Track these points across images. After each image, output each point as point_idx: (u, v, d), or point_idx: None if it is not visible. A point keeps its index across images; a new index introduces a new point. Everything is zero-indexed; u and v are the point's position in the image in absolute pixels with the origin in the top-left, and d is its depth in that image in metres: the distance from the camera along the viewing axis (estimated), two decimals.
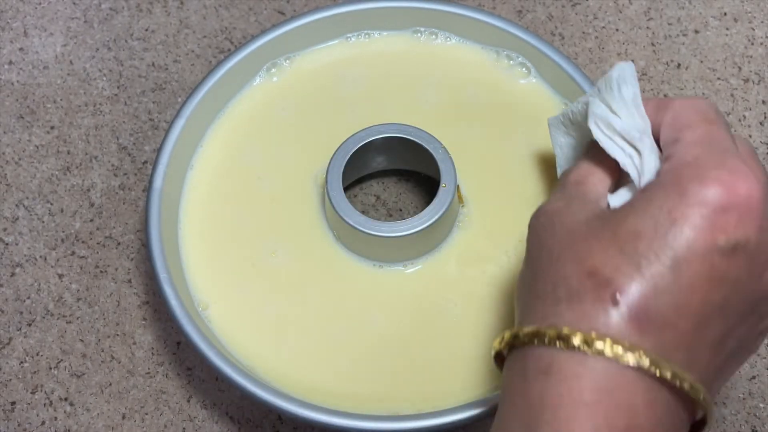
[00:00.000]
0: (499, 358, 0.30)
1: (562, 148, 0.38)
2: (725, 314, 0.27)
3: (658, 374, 0.25)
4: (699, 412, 0.28)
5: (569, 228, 0.29)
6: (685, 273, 0.26)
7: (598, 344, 0.25)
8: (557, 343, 0.26)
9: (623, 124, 0.32)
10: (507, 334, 0.28)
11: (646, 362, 0.25)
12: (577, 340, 0.26)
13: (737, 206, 0.26)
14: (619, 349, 0.25)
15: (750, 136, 0.51)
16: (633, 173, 0.31)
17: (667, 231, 0.26)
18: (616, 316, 0.26)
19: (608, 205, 0.31)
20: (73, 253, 0.49)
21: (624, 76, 0.32)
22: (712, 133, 0.29)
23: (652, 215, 0.27)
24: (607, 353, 0.25)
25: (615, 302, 0.26)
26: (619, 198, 0.31)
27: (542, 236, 0.30)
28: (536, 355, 0.27)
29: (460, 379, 0.40)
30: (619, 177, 0.32)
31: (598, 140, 0.32)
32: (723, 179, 0.27)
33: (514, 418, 0.27)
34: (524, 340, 0.27)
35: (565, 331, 0.26)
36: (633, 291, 0.26)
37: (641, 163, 0.31)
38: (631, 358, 0.25)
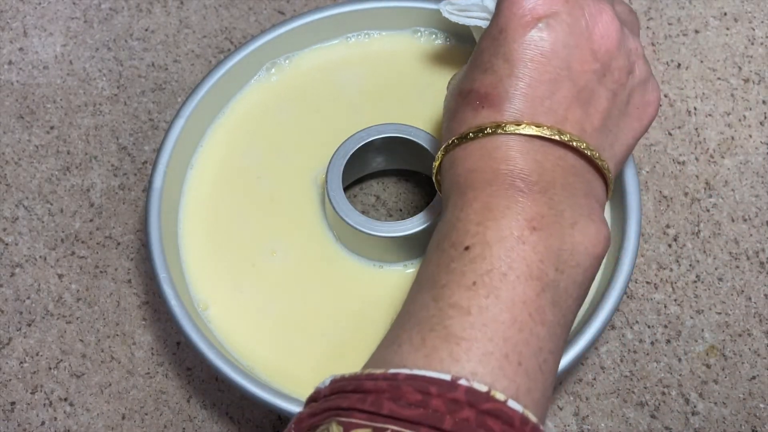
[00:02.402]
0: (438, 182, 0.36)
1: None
2: (571, 74, 0.32)
3: (537, 134, 0.31)
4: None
5: (454, 81, 0.36)
6: (519, 58, 0.32)
7: (459, 139, 0.33)
8: (447, 149, 0.33)
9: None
10: (440, 154, 0.34)
11: (532, 130, 0.31)
12: (456, 142, 0.33)
13: None
14: (471, 134, 0.32)
15: (750, 136, 0.51)
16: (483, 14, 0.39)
17: (497, 36, 0.32)
18: (483, 111, 0.32)
19: None
20: (73, 253, 0.49)
21: None
22: None
23: (489, 32, 0.33)
24: (470, 139, 0.32)
25: (480, 101, 0.32)
26: None
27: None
28: (463, 151, 0.33)
29: None
30: None
31: (448, 18, 0.41)
32: None
33: (444, 191, 0.33)
34: (449, 147, 0.33)
35: (445, 143, 0.33)
36: (488, 87, 0.32)
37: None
38: (519, 129, 0.31)
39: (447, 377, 0.26)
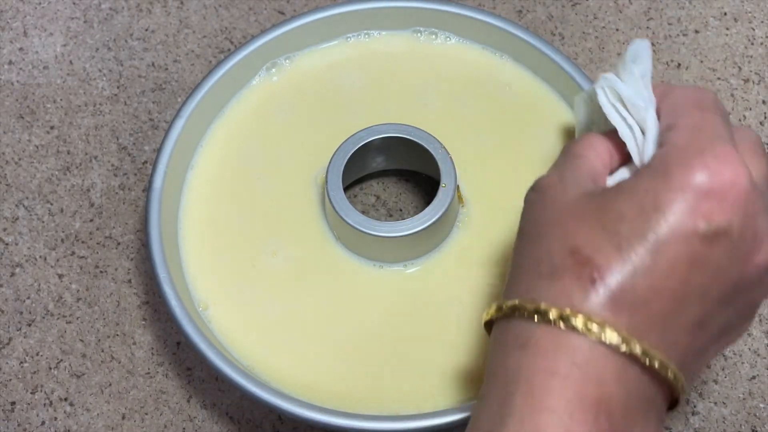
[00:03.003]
0: (489, 328, 0.31)
1: (581, 126, 0.38)
2: (705, 299, 0.27)
3: (627, 351, 0.26)
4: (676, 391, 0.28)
5: (558, 205, 0.29)
6: (665, 256, 0.26)
7: (573, 320, 0.26)
8: (535, 317, 0.27)
9: (629, 92, 0.32)
10: (493, 307, 0.29)
11: (616, 339, 0.26)
12: (553, 315, 0.27)
13: (721, 192, 0.27)
14: (592, 326, 0.26)
15: None
16: (631, 145, 0.30)
17: (650, 215, 0.27)
18: (593, 295, 0.26)
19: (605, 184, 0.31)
20: (73, 253, 0.49)
21: (638, 52, 0.33)
22: (705, 120, 0.29)
23: (638, 198, 0.27)
24: (581, 329, 0.26)
25: (593, 281, 0.27)
26: (617, 178, 0.31)
27: (533, 212, 0.31)
28: (516, 328, 0.28)
29: (461, 378, 0.40)
30: (624, 156, 0.32)
31: (602, 105, 0.32)
32: (708, 164, 0.27)
33: (492, 387, 0.28)
34: (506, 313, 0.28)
35: (543, 306, 0.27)
36: (611, 271, 0.26)
37: (643, 140, 0.30)
38: (602, 335, 0.26)
39: None
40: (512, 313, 0.28)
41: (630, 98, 0.31)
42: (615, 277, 0.26)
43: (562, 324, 0.26)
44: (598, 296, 0.26)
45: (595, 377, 0.26)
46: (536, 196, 0.31)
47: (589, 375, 0.26)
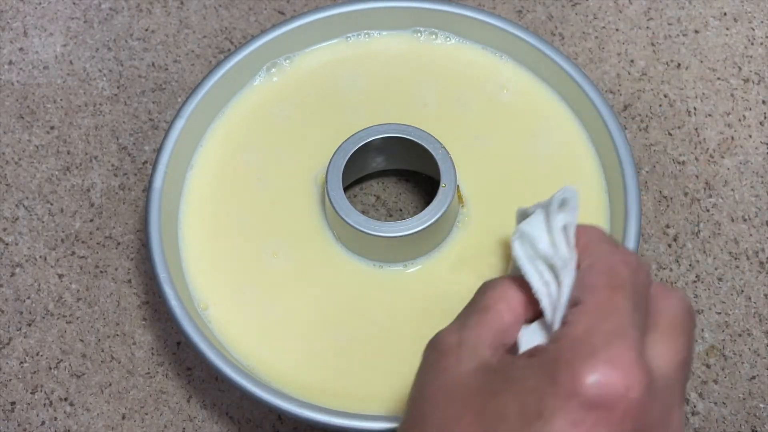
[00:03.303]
0: None
1: (513, 263, 0.33)
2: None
3: None
4: None
5: (448, 381, 0.27)
6: None
7: None
8: None
9: (546, 249, 0.29)
10: None
11: None
12: None
13: (609, 404, 0.24)
14: None
15: (750, 136, 0.51)
16: (545, 304, 0.28)
17: (532, 420, 0.24)
18: None
19: (514, 345, 0.28)
20: (73, 253, 0.49)
21: (566, 199, 0.30)
22: (612, 305, 0.26)
23: (522, 398, 0.25)
24: None
25: None
26: (528, 336, 0.28)
27: (424, 377, 0.29)
28: None
29: None
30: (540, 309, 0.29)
31: (516, 257, 0.30)
32: (598, 369, 0.24)
33: None
34: None
35: None
36: None
37: (558, 297, 0.28)
38: None
39: None
40: None
41: (546, 256, 0.29)
42: None
43: None
44: None
45: None
46: (432, 358, 0.29)
47: None
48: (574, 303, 0.27)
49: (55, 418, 0.44)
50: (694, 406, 0.44)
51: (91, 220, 0.50)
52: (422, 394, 0.28)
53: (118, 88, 0.54)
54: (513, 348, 0.29)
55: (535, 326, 0.29)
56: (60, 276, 0.48)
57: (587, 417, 0.24)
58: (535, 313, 0.29)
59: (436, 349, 0.29)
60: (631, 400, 0.24)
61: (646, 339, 0.27)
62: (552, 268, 0.28)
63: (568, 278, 0.28)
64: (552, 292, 0.28)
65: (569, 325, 0.26)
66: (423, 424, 0.27)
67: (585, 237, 0.29)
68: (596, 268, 0.28)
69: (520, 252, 0.30)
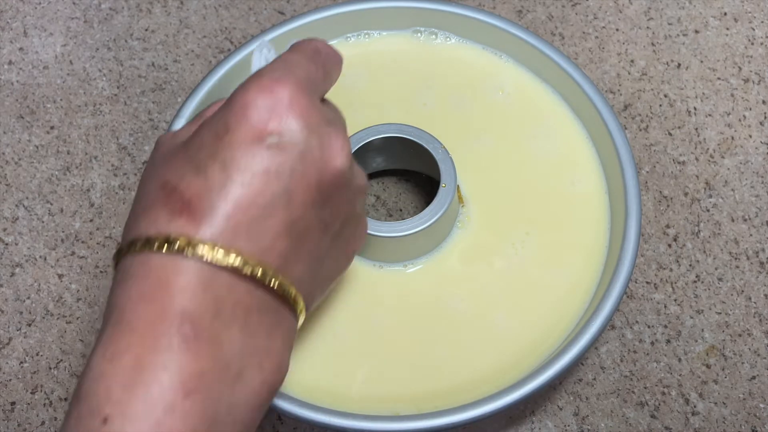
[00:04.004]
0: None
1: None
2: (290, 204, 0.29)
3: (211, 259, 0.28)
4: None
5: (166, 150, 0.31)
6: (238, 171, 0.28)
7: (156, 244, 0.28)
8: (130, 249, 0.29)
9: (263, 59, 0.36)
10: (123, 244, 0.31)
11: (203, 251, 0.27)
12: (140, 245, 0.28)
13: (278, 105, 0.29)
14: (175, 245, 0.28)
15: (750, 136, 0.51)
16: (255, 67, 0.35)
17: (222, 136, 0.29)
18: (178, 218, 0.28)
19: None
20: (73, 253, 0.49)
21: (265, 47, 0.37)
22: (280, 60, 0.31)
23: (213, 126, 0.29)
24: (165, 250, 0.28)
25: (179, 206, 0.28)
26: None
27: (150, 157, 0.33)
28: (120, 268, 0.29)
29: (461, 378, 0.40)
30: None
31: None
32: (263, 84, 0.29)
33: (109, 311, 0.29)
34: (115, 258, 0.30)
35: (131, 237, 0.29)
36: (192, 193, 0.28)
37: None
38: (186, 251, 0.27)
39: None
40: (117, 257, 0.29)
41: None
42: (197, 198, 0.28)
43: (151, 250, 0.28)
44: (182, 218, 0.28)
45: (178, 291, 0.27)
46: (159, 140, 0.33)
47: (171, 290, 0.27)
48: None
49: (55, 418, 0.44)
50: (695, 406, 0.44)
51: (91, 220, 0.50)
52: (144, 172, 0.32)
53: (117, 88, 0.54)
54: None
55: None
56: (60, 276, 0.48)
57: (261, 117, 0.29)
58: None
59: (156, 142, 0.33)
60: (295, 101, 0.29)
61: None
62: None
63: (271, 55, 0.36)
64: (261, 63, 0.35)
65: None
66: (143, 184, 0.31)
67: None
68: (293, 46, 0.33)
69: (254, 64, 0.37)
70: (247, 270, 0.28)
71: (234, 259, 0.28)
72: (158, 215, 0.28)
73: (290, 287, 0.30)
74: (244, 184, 0.28)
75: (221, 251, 0.28)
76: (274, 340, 0.30)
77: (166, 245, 0.28)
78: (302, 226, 0.30)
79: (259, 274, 0.28)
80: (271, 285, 0.29)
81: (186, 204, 0.28)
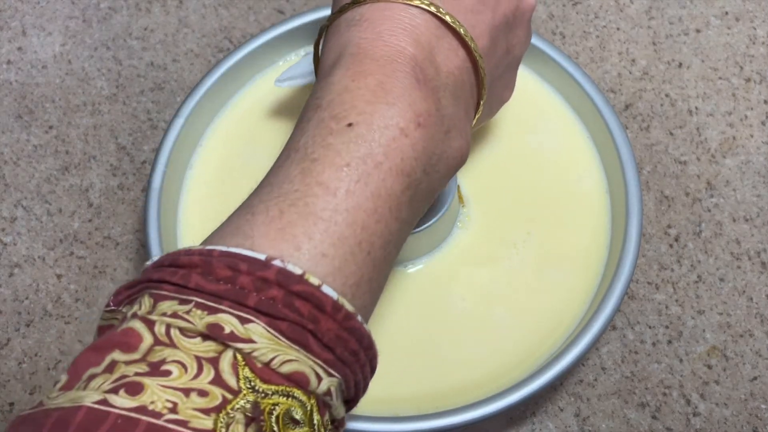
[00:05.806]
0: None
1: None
2: (497, 8, 0.33)
3: (435, 11, 0.31)
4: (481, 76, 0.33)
5: None
6: None
7: None
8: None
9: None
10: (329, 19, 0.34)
11: (434, 7, 0.30)
12: None
13: None
14: (435, 7, 0.31)
15: (752, 136, 0.51)
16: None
17: None
18: None
19: None
20: (72, 253, 0.48)
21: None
22: None
23: None
24: (433, 9, 0.31)
25: None
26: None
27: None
28: (347, 15, 0.32)
29: (462, 379, 0.40)
30: None
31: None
32: None
33: (328, 52, 0.32)
34: (340, 9, 0.32)
35: None
36: None
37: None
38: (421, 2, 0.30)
39: (262, 257, 0.25)
40: (343, 9, 0.32)
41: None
42: None
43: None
44: None
45: (412, 40, 0.30)
46: None
47: (405, 37, 0.30)
48: None
49: None
50: (696, 407, 0.44)
51: (90, 220, 0.49)
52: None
53: (116, 87, 0.54)
54: None
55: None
56: (58, 276, 0.48)
57: None
58: None
59: None
60: None
61: None
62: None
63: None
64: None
65: None
66: None
67: None
68: None
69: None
70: (460, 30, 0.31)
71: (459, 27, 0.31)
72: None
73: (485, 77, 0.33)
74: None
75: (451, 18, 0.31)
76: (468, 122, 0.33)
77: None
78: (496, 36, 0.33)
79: (473, 46, 0.31)
80: (480, 65, 0.32)
81: None
